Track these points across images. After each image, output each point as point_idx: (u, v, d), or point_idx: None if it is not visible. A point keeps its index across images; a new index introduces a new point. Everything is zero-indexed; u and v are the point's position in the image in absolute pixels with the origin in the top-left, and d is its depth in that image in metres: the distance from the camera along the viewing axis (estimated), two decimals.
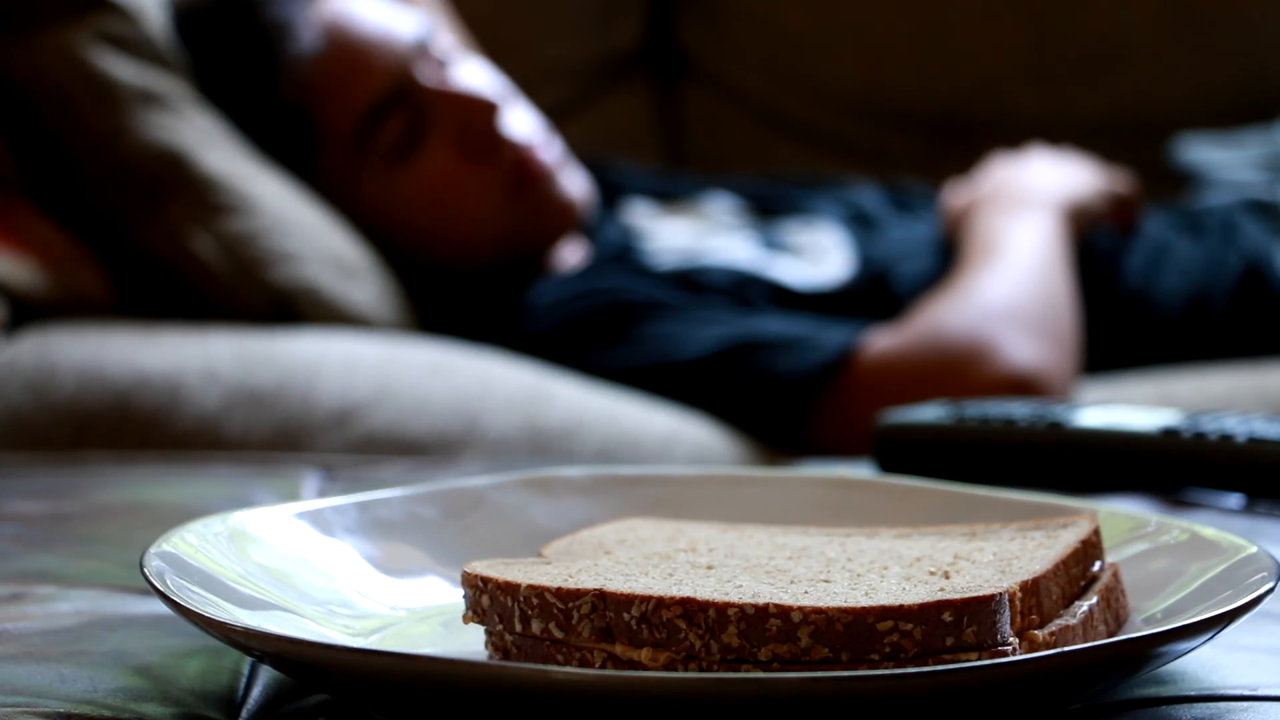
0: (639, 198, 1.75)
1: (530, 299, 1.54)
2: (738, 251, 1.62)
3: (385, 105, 1.54)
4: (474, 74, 1.59)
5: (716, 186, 1.76)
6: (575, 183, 1.60)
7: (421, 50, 1.56)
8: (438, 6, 1.78)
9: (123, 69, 1.51)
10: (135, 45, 1.53)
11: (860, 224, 1.68)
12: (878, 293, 1.58)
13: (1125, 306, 1.60)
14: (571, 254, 1.62)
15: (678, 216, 1.71)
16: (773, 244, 1.64)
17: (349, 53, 1.55)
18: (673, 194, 1.75)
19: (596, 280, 1.54)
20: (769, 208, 1.71)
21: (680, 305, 1.50)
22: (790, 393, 1.42)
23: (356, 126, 1.54)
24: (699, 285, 1.54)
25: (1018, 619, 0.54)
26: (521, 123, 1.59)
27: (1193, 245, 1.63)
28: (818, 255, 1.62)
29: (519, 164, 1.56)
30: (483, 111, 1.55)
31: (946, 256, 1.60)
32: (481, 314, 1.56)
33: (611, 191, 1.75)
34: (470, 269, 1.59)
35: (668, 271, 1.57)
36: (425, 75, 1.55)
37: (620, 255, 1.61)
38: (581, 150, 1.73)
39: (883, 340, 1.44)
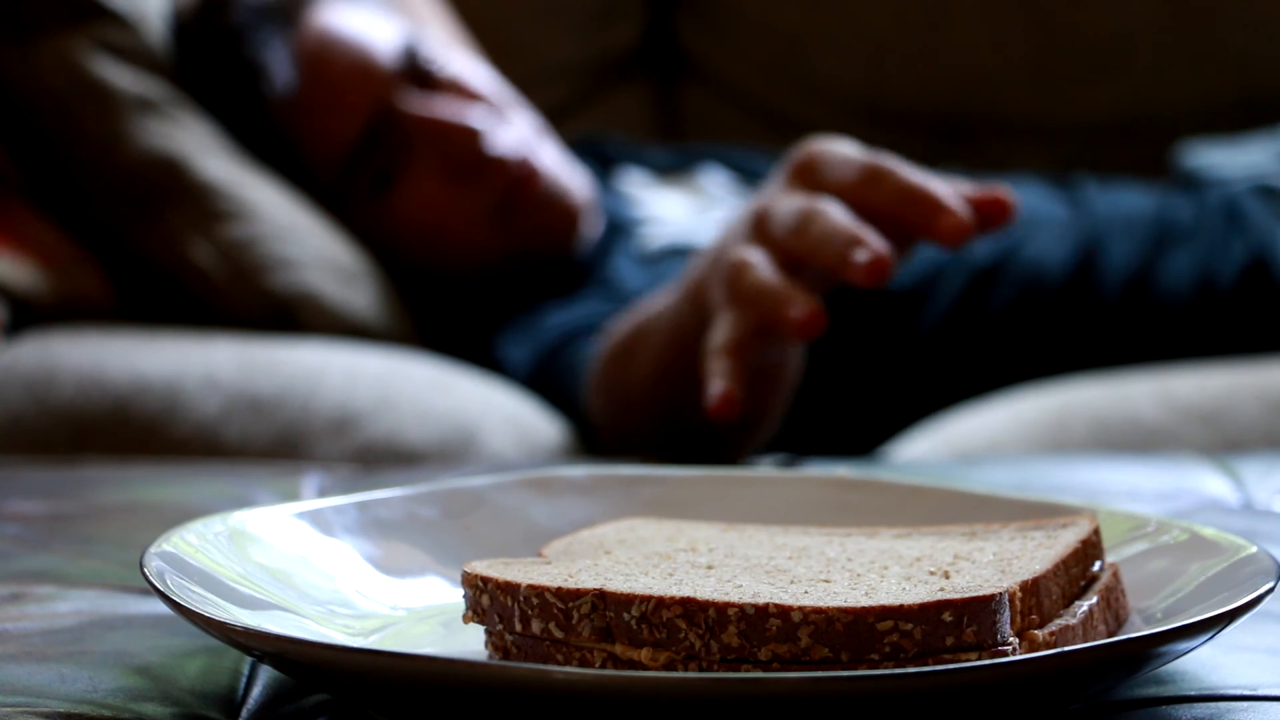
0: (634, 167, 1.73)
1: (516, 331, 1.52)
2: None
3: (366, 141, 1.52)
4: (463, 77, 1.57)
5: (709, 159, 1.75)
6: (575, 183, 1.59)
7: (405, 66, 1.54)
8: (432, 4, 1.77)
9: (121, 77, 1.51)
10: (134, 53, 1.52)
11: None
12: None
13: (1126, 291, 1.57)
14: (586, 228, 1.60)
15: (672, 188, 1.70)
16: None
17: (325, 90, 1.53)
18: (667, 166, 1.74)
19: (584, 302, 1.52)
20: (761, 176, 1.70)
21: None
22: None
23: (340, 165, 1.54)
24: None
25: (1018, 619, 0.54)
26: (512, 132, 1.56)
27: (1194, 226, 1.61)
28: None
29: (509, 183, 1.53)
30: (465, 138, 1.52)
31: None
32: (481, 323, 1.55)
33: (606, 161, 1.73)
34: (473, 280, 1.58)
35: (660, 249, 1.56)
36: (406, 101, 1.53)
37: (620, 226, 1.60)
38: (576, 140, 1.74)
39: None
